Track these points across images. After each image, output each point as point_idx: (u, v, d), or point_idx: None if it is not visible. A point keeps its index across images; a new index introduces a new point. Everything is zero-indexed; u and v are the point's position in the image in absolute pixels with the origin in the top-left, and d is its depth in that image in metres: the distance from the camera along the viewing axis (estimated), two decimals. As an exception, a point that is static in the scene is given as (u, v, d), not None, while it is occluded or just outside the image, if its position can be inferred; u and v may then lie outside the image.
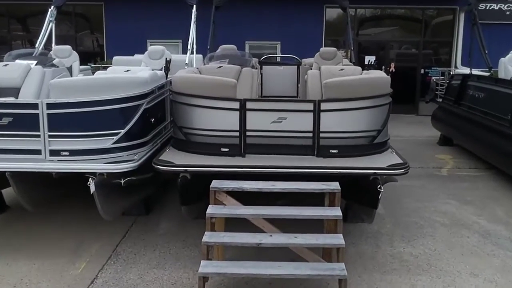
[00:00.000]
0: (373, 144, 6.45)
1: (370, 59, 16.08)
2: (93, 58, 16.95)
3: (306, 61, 11.05)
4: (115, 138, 6.13)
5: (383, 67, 16.96)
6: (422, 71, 17.11)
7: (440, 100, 12.81)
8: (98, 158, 6.07)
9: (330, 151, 6.25)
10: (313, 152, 6.25)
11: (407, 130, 14.75)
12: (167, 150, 6.54)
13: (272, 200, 5.94)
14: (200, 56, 11.91)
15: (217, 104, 6.28)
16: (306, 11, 16.09)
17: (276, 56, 15.12)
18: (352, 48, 11.14)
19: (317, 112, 6.18)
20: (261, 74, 12.81)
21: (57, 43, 11.31)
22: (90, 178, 5.76)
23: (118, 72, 7.60)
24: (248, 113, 6.23)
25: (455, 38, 16.94)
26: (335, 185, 5.60)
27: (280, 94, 12.72)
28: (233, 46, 10.09)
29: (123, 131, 6.17)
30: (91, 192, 5.76)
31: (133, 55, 15.32)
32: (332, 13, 16.88)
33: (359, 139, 6.33)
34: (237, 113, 6.23)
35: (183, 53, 16.21)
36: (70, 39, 17.22)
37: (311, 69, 10.51)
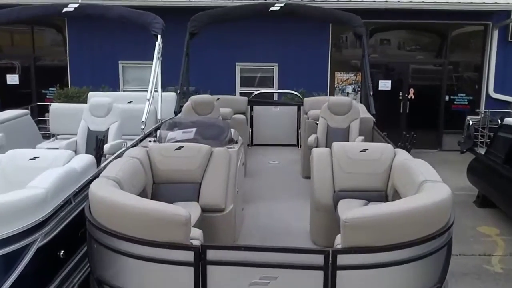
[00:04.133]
0: (425, 317, 3.76)
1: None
2: (56, 82, 14.21)
3: (310, 112, 8.29)
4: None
5: (400, 94, 14.25)
6: (447, 98, 14.34)
7: (482, 151, 10.07)
8: None
9: (353, 338, 3.58)
10: None
11: (432, 175, 12.02)
12: (76, 320, 3.88)
13: None
14: (172, 95, 9.28)
15: (157, 254, 3.62)
16: (308, 28, 13.33)
17: (271, 92, 12.40)
18: (372, 93, 8.41)
19: (330, 270, 3.51)
20: (252, 116, 10.18)
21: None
22: None
23: (18, 160, 4.93)
24: (210, 269, 3.57)
25: (486, 59, 14.17)
26: None
27: (275, 142, 10.09)
28: (208, 99, 7.41)
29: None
30: None
31: (102, 88, 12.81)
32: (339, 30, 14.08)
33: (403, 313, 3.66)
34: (191, 270, 3.57)
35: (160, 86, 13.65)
36: (25, 58, 14.51)
37: (316, 124, 7.84)
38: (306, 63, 13.84)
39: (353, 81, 14.20)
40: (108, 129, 7.15)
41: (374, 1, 12.84)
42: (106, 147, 6.78)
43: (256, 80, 14.02)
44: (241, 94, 13.82)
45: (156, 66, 7.85)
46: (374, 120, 7.94)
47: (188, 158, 5.21)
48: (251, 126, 10.01)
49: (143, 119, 7.12)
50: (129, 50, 13.74)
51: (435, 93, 14.37)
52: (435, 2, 12.95)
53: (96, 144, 5.46)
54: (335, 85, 14.18)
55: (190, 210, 4.86)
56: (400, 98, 14.28)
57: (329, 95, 13.85)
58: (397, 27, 14.66)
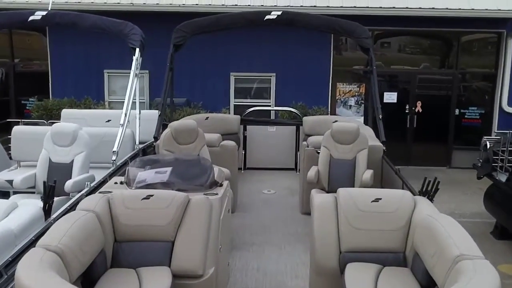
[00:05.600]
0: None
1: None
2: (37, 91, 13.19)
3: (310, 139, 7.20)
4: None
5: (407, 107, 13.23)
6: (457, 111, 13.29)
7: (502, 178, 9.02)
8: None
9: None
10: None
11: (443, 197, 10.93)
12: None
13: None
14: (156, 113, 8.28)
15: None
16: (309, 36, 12.29)
17: (266, 109, 11.33)
18: (381, 117, 7.36)
19: None
20: (245, 136, 9.15)
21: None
22: None
23: None
24: None
25: (500, 70, 13.12)
26: None
27: (271, 165, 9.06)
28: (191, 126, 6.35)
29: None
30: None
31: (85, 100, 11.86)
32: (342, 37, 13.03)
33: None
34: None
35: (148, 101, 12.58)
36: (6, 66, 13.45)
37: (318, 153, 6.78)
38: (306, 74, 12.83)
39: (356, 93, 13.17)
40: (72, 160, 6.10)
41: (381, 7, 11.81)
42: (68, 184, 5.77)
43: (252, 92, 12.99)
44: (236, 106, 12.85)
45: (133, 84, 6.82)
46: (384, 148, 6.89)
47: (159, 210, 4.18)
48: (244, 148, 8.99)
49: (115, 149, 6.09)
50: (115, 58, 12.67)
51: (444, 106, 13.33)
52: (446, 8, 11.92)
53: (44, 190, 4.41)
54: (337, 98, 13.14)
55: (158, 281, 3.86)
56: (407, 111, 13.25)
57: (330, 108, 12.87)
58: (404, 34, 13.63)
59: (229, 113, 12.57)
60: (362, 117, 13.11)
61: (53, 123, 10.07)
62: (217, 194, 4.59)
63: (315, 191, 6.09)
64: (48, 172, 6.08)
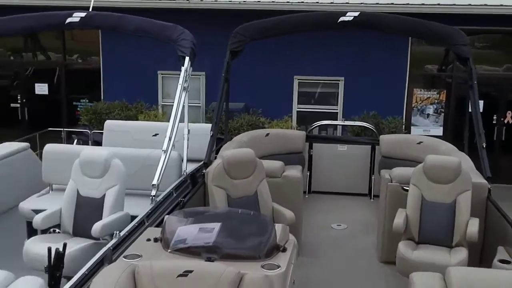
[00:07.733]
0: None
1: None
2: (88, 94, 12.49)
3: (395, 171, 5.76)
4: None
5: (494, 117, 11.61)
6: (557, 124, 11.56)
7: None
8: None
9: None
10: None
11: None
12: None
13: None
14: (206, 127, 7.24)
15: None
16: (383, 37, 10.86)
17: (335, 124, 10.05)
18: (484, 145, 5.96)
19: None
20: (311, 156, 7.93)
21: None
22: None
23: None
24: None
25: None
26: None
27: (341, 190, 7.81)
28: (247, 157, 5.17)
29: None
30: None
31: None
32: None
33: None
34: None
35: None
36: (56, 66, 12.79)
37: (405, 191, 5.42)
38: (379, 78, 11.44)
39: (436, 100, 11.66)
40: (104, 195, 5.08)
41: (470, 5, 10.26)
42: (96, 228, 4.76)
43: (315, 97, 11.75)
44: (299, 112, 11.65)
45: (181, 99, 5.73)
46: (490, 186, 5.47)
47: None
48: (310, 169, 7.78)
49: (154, 182, 5.00)
50: (169, 58, 11.65)
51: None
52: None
53: (49, 258, 3.34)
54: (413, 105, 11.67)
55: None
56: (494, 122, 11.62)
57: (406, 117, 11.45)
58: (494, 33, 11.92)
59: (292, 121, 11.43)
60: (442, 128, 11.64)
61: (97, 132, 9.28)
62: (279, 267, 3.41)
63: (404, 246, 4.79)
64: (76, 208, 5.07)
